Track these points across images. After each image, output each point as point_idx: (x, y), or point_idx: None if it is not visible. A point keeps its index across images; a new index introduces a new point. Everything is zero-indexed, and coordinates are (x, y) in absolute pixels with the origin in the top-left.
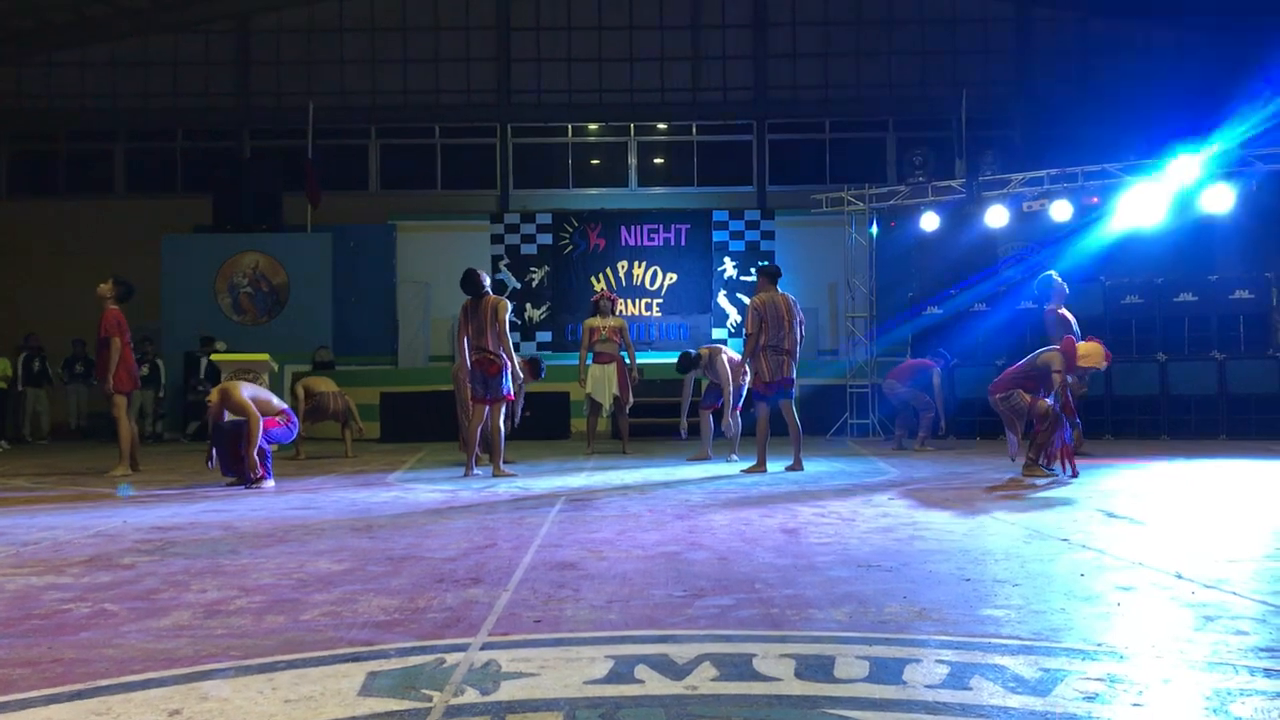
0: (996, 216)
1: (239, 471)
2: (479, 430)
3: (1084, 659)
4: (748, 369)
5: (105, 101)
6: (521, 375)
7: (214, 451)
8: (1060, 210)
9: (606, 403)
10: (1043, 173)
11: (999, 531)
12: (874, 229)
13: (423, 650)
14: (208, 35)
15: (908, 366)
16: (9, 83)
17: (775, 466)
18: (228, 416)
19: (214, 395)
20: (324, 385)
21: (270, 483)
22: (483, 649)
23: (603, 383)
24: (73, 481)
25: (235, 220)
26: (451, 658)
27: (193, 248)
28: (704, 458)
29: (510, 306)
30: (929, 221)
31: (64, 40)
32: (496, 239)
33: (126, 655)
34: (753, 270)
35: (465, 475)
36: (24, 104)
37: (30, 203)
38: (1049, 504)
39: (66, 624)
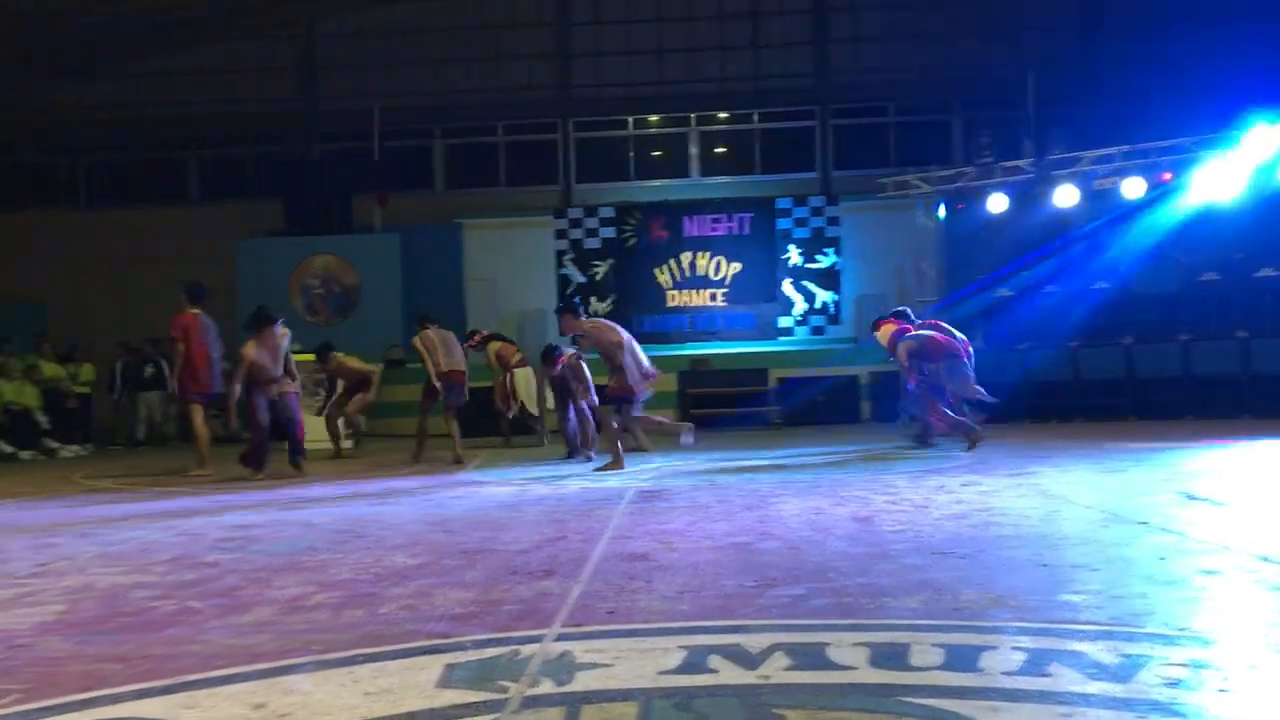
0: (1066, 196)
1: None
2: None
3: (1166, 644)
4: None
5: (179, 110)
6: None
7: (256, 453)
8: (1132, 187)
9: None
10: (1114, 150)
11: (1076, 516)
12: (941, 212)
13: (498, 642)
14: (275, 41)
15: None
16: (90, 96)
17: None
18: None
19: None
20: (354, 363)
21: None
22: (557, 640)
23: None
24: (155, 483)
25: (306, 223)
26: (526, 649)
27: (266, 252)
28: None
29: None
30: (997, 203)
31: (141, 50)
32: (560, 234)
33: (211, 651)
34: (819, 257)
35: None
36: (99, 116)
37: (109, 212)
38: (1127, 487)
39: (153, 621)
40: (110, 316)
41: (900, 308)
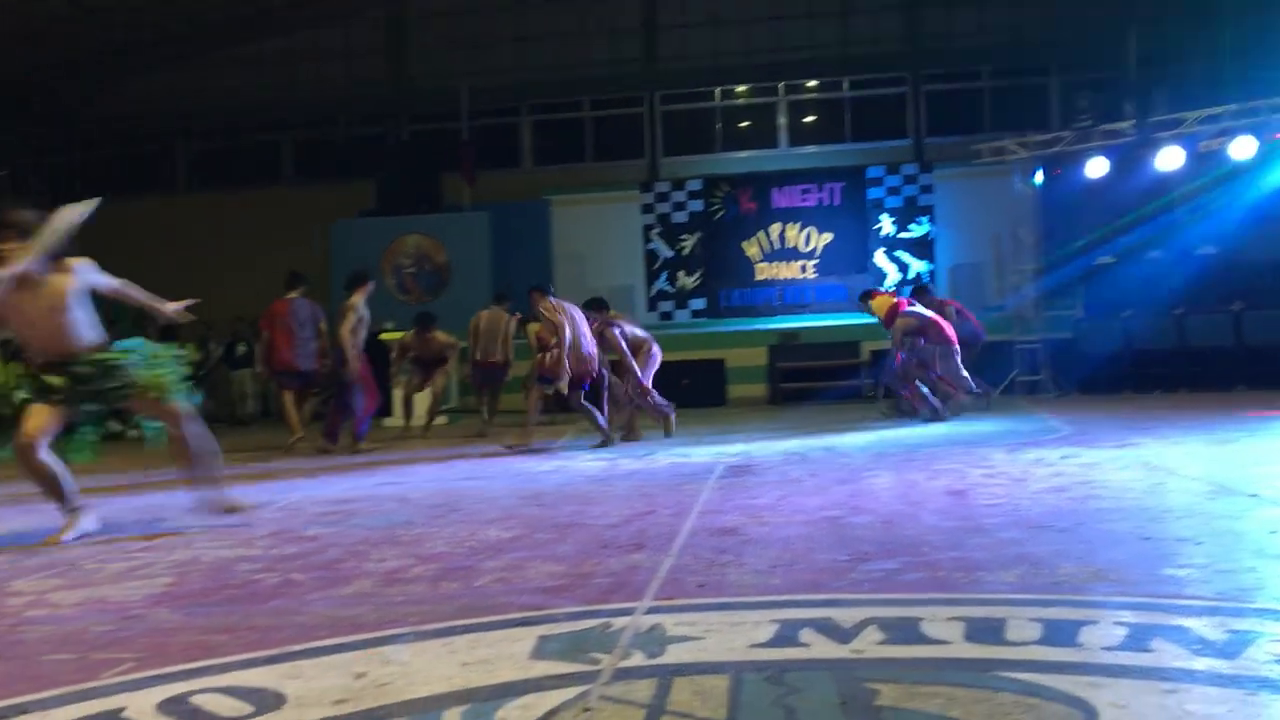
0: (1170, 158)
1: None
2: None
3: (1277, 620)
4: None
5: (273, 94)
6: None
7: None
8: (1242, 148)
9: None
10: (1221, 109)
11: (1180, 488)
12: (1039, 177)
13: (590, 614)
14: (363, 22)
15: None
16: (183, 82)
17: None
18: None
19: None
20: (442, 338)
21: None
22: (648, 613)
23: None
24: (256, 457)
25: (396, 203)
26: (618, 622)
27: (359, 232)
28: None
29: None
30: (1096, 167)
31: (233, 35)
32: (647, 208)
33: (313, 622)
34: (912, 226)
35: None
36: (192, 102)
37: (203, 196)
38: (1236, 458)
39: (258, 593)
40: (205, 298)
41: (878, 285)
